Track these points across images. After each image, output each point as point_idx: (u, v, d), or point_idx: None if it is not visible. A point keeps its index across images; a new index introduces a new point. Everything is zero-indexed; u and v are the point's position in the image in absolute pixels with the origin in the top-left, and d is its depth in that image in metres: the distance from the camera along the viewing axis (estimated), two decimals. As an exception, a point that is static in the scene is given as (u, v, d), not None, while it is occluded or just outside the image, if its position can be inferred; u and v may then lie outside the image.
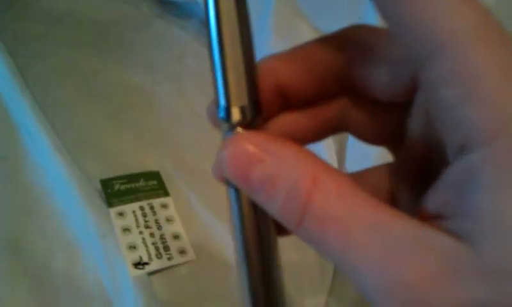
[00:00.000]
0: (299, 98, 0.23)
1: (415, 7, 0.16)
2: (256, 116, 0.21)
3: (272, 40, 0.63)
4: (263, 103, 0.22)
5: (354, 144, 0.57)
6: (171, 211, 0.51)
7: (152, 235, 0.48)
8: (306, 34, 0.64)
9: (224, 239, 0.50)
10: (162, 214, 0.50)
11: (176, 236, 0.49)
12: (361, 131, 0.25)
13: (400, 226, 0.17)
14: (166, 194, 0.53)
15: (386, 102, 0.23)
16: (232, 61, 0.21)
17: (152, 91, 0.66)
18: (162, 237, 0.48)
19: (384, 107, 0.23)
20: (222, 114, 0.22)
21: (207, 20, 0.21)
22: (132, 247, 0.46)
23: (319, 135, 0.25)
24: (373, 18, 0.60)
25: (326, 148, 0.57)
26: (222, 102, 0.22)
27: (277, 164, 0.19)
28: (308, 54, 0.23)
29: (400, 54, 0.21)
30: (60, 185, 0.51)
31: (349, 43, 0.23)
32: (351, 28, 0.23)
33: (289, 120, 0.24)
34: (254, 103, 0.21)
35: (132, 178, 0.52)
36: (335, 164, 0.57)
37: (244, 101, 0.21)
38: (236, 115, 0.21)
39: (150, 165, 0.56)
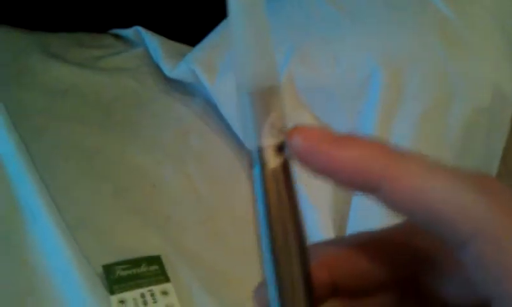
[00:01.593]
0: (350, 292, 0.23)
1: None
2: None
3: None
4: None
5: (354, 228, 0.58)
6: (172, 298, 0.51)
7: (152, 324, 0.48)
8: (307, 122, 0.66)
9: (223, 328, 0.50)
10: (162, 302, 0.50)
11: (176, 325, 0.49)
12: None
13: None
14: (167, 279, 0.53)
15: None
16: (288, 275, 0.21)
17: (154, 171, 0.67)
18: (162, 326, 0.48)
19: None
20: None
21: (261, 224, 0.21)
22: (133, 337, 0.46)
23: None
24: (371, 112, 0.62)
25: (324, 235, 0.58)
26: None
27: None
28: (371, 255, 0.22)
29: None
30: (61, 267, 0.51)
31: (414, 249, 0.22)
32: (415, 229, 0.22)
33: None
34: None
35: (134, 263, 0.53)
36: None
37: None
38: None
39: (151, 247, 0.56)
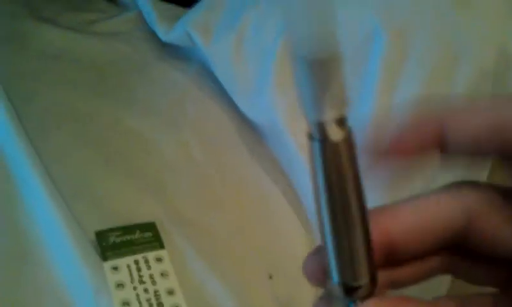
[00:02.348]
0: (406, 254, 0.23)
1: None
2: (374, 287, 0.22)
3: (274, 91, 0.63)
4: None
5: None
6: (166, 265, 0.50)
7: (146, 290, 0.47)
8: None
9: (219, 295, 0.49)
10: (156, 268, 0.49)
11: (170, 292, 0.48)
12: (468, 278, 0.24)
13: None
14: (161, 246, 0.52)
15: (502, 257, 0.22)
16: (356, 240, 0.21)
17: (149, 136, 0.66)
18: (156, 293, 0.47)
19: (499, 260, 0.23)
20: (338, 286, 0.22)
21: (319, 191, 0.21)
22: (126, 304, 0.45)
23: (420, 279, 0.25)
24: (373, 75, 0.60)
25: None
26: (340, 279, 0.21)
27: None
28: (424, 212, 0.22)
29: None
30: (54, 233, 0.50)
31: (468, 198, 0.22)
32: (466, 185, 0.22)
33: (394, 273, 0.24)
34: (372, 278, 0.22)
35: (128, 229, 0.51)
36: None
37: (365, 280, 0.21)
38: (358, 292, 0.21)
39: (145, 214, 0.55)
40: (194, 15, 0.76)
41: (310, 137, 0.20)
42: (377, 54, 0.61)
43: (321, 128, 0.19)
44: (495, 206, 0.21)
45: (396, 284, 0.24)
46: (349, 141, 0.20)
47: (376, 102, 0.59)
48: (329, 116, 0.19)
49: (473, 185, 0.23)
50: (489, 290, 0.24)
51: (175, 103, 0.72)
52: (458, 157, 0.23)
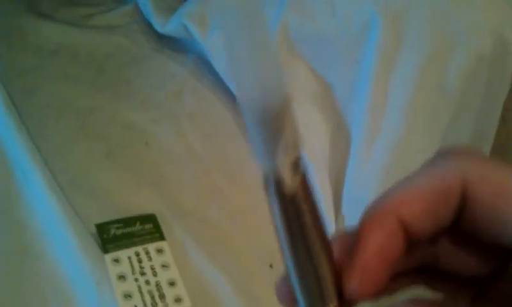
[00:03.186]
0: (418, 236, 0.22)
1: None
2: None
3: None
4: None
5: (350, 191, 0.57)
6: (167, 256, 0.51)
7: (147, 282, 0.47)
8: (304, 76, 0.64)
9: (219, 285, 0.50)
10: (157, 260, 0.50)
11: (172, 283, 0.48)
12: (453, 267, 0.24)
13: None
14: (162, 238, 0.52)
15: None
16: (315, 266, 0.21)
17: (148, 129, 0.66)
18: (157, 284, 0.48)
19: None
20: None
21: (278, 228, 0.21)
22: (128, 296, 0.46)
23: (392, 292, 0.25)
24: (369, 62, 0.60)
25: (322, 195, 0.57)
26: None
27: None
28: (429, 195, 0.22)
29: None
30: (55, 227, 0.50)
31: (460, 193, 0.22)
32: (459, 173, 0.22)
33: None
34: (340, 300, 0.22)
35: (128, 221, 0.52)
36: (331, 210, 0.56)
37: (333, 303, 0.22)
38: None
39: (145, 206, 0.55)
40: (190, 7, 0.76)
41: (266, 182, 0.20)
42: (373, 41, 0.61)
43: (277, 174, 0.20)
44: (492, 178, 0.21)
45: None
46: (303, 183, 0.20)
47: (372, 88, 0.59)
48: (283, 162, 0.19)
49: (470, 153, 0.22)
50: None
51: (173, 95, 0.72)
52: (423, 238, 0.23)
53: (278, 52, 0.18)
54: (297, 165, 0.20)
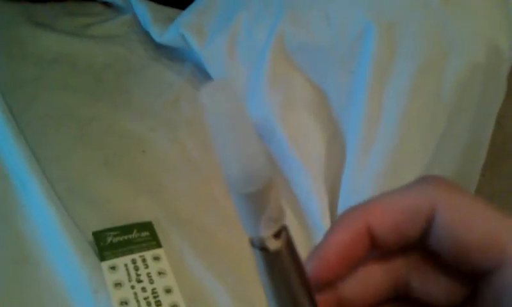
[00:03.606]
0: (385, 246, 0.24)
1: (471, 230, 0.21)
2: None
3: (266, 90, 0.64)
4: None
5: (345, 199, 0.57)
6: (164, 264, 0.51)
7: (143, 289, 0.48)
8: (300, 84, 0.65)
9: (216, 293, 0.50)
10: (154, 267, 0.50)
11: (168, 290, 0.49)
12: (426, 296, 0.25)
13: None
14: (159, 245, 0.52)
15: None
16: None
17: (145, 137, 0.67)
18: (154, 291, 0.48)
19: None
20: None
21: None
22: (124, 303, 0.46)
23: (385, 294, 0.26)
24: (364, 71, 0.61)
25: (318, 202, 0.57)
26: None
27: None
28: (396, 206, 0.24)
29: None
30: (52, 235, 0.51)
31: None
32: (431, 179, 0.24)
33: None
34: None
35: (125, 229, 0.52)
36: (326, 218, 0.57)
37: None
38: None
39: (143, 214, 0.56)
40: (187, 17, 0.77)
41: (252, 245, 0.22)
42: (367, 50, 0.61)
43: (260, 241, 0.21)
44: (458, 205, 0.23)
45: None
46: (286, 248, 0.21)
47: (367, 97, 0.59)
48: (266, 233, 0.21)
49: (442, 182, 0.24)
50: None
51: (170, 104, 0.73)
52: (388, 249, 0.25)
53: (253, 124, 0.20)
54: (280, 232, 0.21)
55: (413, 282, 0.24)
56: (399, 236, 0.23)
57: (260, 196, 0.20)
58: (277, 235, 0.21)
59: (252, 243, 0.22)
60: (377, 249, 0.24)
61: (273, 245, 0.21)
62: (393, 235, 0.23)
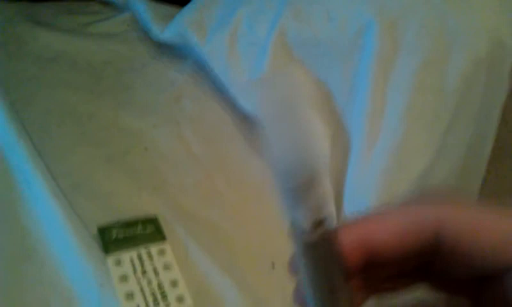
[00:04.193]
0: (386, 260, 0.25)
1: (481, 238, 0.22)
2: None
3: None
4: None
5: (350, 194, 0.57)
6: (169, 257, 0.51)
7: (149, 282, 0.47)
8: (301, 80, 0.65)
9: (221, 286, 0.50)
10: (159, 261, 0.50)
11: (174, 284, 0.48)
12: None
13: None
14: (164, 239, 0.52)
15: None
16: None
17: (148, 134, 0.66)
18: (160, 285, 0.48)
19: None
20: None
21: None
22: (130, 296, 0.46)
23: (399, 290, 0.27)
24: (367, 66, 0.60)
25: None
26: None
27: None
28: (400, 220, 0.24)
29: None
30: (56, 231, 0.50)
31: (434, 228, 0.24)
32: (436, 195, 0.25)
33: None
34: None
35: (130, 224, 0.52)
36: (332, 210, 0.57)
37: None
38: None
39: (147, 209, 0.56)
40: (187, 14, 0.77)
41: (291, 232, 0.22)
42: (370, 45, 0.61)
43: (300, 229, 0.22)
44: (463, 214, 0.23)
45: (377, 293, 0.27)
46: (325, 239, 0.22)
47: (371, 92, 0.59)
48: (308, 221, 0.22)
49: (437, 195, 0.25)
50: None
51: (172, 101, 0.72)
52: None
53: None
54: (320, 222, 0.22)
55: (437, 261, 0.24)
56: (399, 252, 0.24)
57: (306, 186, 0.21)
58: (317, 225, 0.22)
59: (292, 229, 0.22)
60: (376, 260, 0.24)
61: (312, 235, 0.22)
62: (395, 249, 0.24)
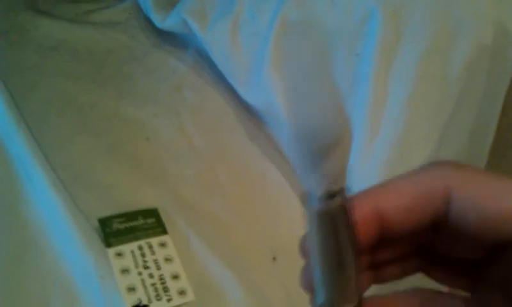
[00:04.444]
0: (397, 231, 0.24)
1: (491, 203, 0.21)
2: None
3: (270, 74, 0.63)
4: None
5: (352, 185, 0.57)
6: (170, 250, 0.51)
7: (151, 275, 0.47)
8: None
9: (223, 279, 0.50)
10: (161, 253, 0.50)
11: (175, 277, 0.48)
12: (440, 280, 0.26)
13: None
14: (165, 232, 0.52)
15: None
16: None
17: (149, 124, 0.66)
18: (161, 278, 0.48)
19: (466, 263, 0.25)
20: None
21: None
22: (131, 289, 0.46)
23: (400, 277, 0.27)
24: (369, 55, 0.60)
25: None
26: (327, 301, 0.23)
27: None
28: (410, 188, 0.24)
29: None
30: (57, 222, 0.50)
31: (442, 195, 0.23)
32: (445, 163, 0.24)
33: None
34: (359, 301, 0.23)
35: (131, 216, 0.52)
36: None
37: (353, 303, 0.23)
38: None
39: (147, 201, 0.55)
40: (189, 2, 0.76)
41: (305, 200, 0.21)
42: (373, 33, 0.61)
43: (316, 197, 0.21)
44: (473, 181, 0.23)
45: (379, 280, 0.26)
46: (338, 211, 0.21)
47: (373, 81, 0.59)
48: (323, 190, 0.21)
49: (452, 163, 0.24)
50: (460, 292, 0.26)
51: (173, 91, 0.72)
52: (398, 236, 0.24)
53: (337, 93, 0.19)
54: (336, 193, 0.21)
55: (438, 241, 0.24)
56: (410, 219, 0.23)
57: (327, 150, 0.20)
58: (332, 196, 0.21)
59: (305, 197, 0.21)
60: (388, 234, 0.24)
61: (326, 204, 0.21)
62: (407, 218, 0.23)
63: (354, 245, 0.23)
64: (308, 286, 0.24)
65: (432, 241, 0.25)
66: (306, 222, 0.22)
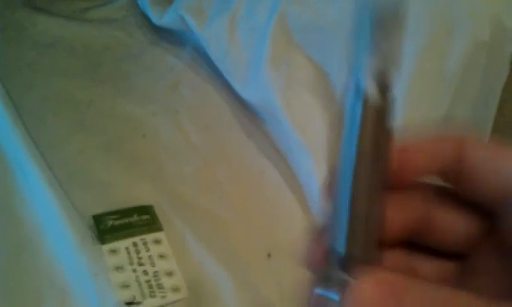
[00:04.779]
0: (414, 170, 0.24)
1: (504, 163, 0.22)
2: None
3: (268, 71, 0.63)
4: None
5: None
6: (165, 247, 0.50)
7: (145, 272, 0.47)
8: (301, 65, 0.64)
9: (217, 276, 0.50)
10: (155, 250, 0.50)
11: (169, 273, 0.48)
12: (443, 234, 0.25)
13: None
14: (160, 228, 0.52)
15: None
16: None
17: (146, 121, 0.66)
18: (155, 275, 0.47)
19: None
20: (341, 260, 0.20)
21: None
22: (125, 286, 0.45)
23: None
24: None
25: (320, 183, 0.56)
26: (343, 249, 0.20)
27: None
28: (428, 141, 0.24)
29: None
30: (51, 220, 0.50)
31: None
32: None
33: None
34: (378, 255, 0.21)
35: (125, 213, 0.52)
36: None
37: (373, 253, 0.20)
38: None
39: (143, 198, 0.55)
40: (187, -2, 0.76)
41: (349, 95, 0.19)
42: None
43: (364, 90, 0.19)
44: (483, 144, 0.23)
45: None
46: (387, 108, 0.19)
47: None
48: (376, 80, 0.19)
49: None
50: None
51: (170, 88, 0.72)
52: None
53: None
54: (385, 88, 0.19)
55: (434, 214, 0.24)
56: (432, 162, 0.23)
57: (388, 24, 0.18)
58: (382, 91, 0.19)
59: (350, 86, 0.19)
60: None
61: (376, 98, 0.19)
62: (427, 160, 0.23)
63: (387, 161, 0.20)
64: (316, 255, 0.23)
65: (426, 220, 0.24)
66: (344, 123, 0.20)
